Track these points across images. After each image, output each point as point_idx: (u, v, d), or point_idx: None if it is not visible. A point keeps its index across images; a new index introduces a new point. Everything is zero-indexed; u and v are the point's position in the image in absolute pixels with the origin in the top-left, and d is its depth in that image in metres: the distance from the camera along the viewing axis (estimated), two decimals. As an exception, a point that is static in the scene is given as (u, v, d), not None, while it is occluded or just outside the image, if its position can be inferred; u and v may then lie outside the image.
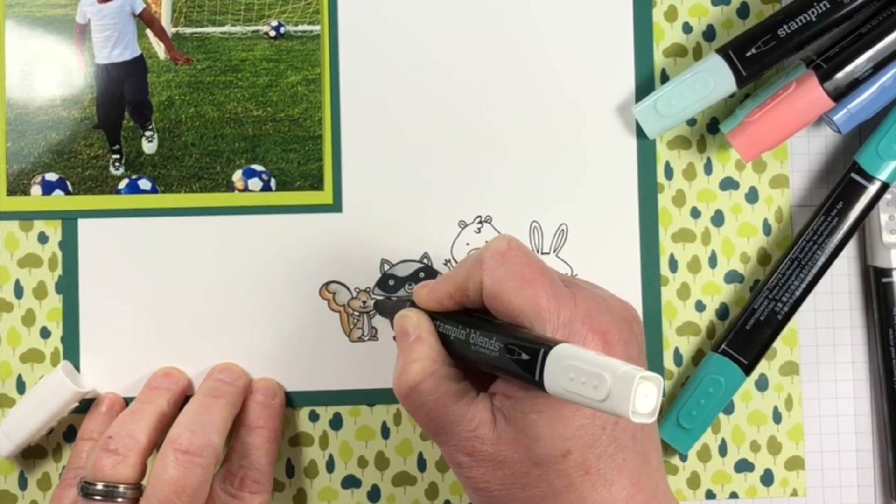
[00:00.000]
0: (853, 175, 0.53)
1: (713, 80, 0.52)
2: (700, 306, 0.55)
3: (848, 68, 0.51)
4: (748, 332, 0.53)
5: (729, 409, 0.55)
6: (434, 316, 0.46)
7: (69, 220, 0.54)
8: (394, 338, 0.51)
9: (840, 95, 0.51)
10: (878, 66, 0.51)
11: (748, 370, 0.53)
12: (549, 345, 0.38)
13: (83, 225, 0.54)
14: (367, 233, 0.55)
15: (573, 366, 0.37)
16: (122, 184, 0.54)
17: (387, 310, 0.52)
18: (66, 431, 0.54)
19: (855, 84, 0.51)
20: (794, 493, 0.55)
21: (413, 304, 0.47)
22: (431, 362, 0.43)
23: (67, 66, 0.55)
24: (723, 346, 0.53)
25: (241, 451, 0.51)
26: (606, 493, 0.41)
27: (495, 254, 0.43)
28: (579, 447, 0.41)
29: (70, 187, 0.54)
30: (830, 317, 0.56)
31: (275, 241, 0.55)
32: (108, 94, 0.55)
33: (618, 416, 0.35)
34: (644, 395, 0.35)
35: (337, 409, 0.55)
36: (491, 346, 0.41)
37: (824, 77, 0.51)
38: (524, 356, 0.39)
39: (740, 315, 0.54)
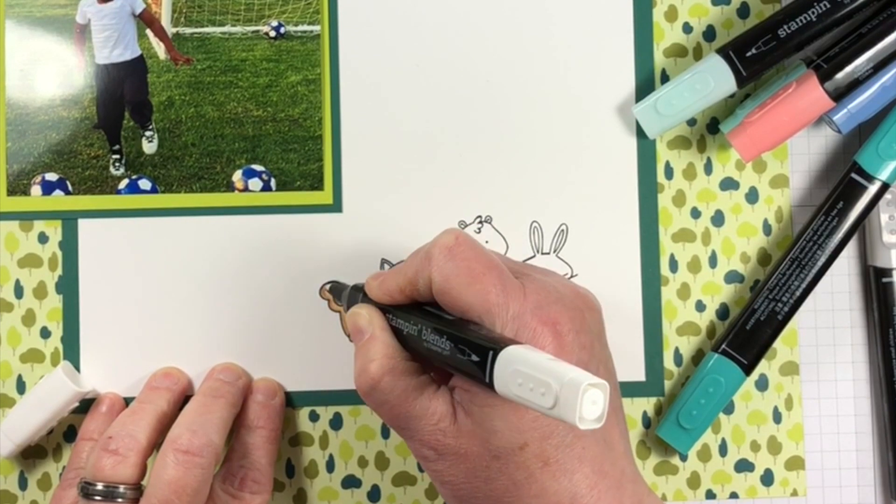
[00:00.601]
0: (853, 175, 0.53)
1: (713, 80, 0.52)
2: (700, 306, 0.55)
3: (848, 68, 0.51)
4: (748, 333, 0.53)
5: (729, 409, 0.55)
6: (386, 309, 0.45)
7: (69, 220, 0.54)
8: (348, 335, 0.50)
9: (840, 95, 0.51)
10: (879, 67, 0.51)
11: (748, 370, 0.53)
12: (497, 347, 0.38)
13: (83, 225, 0.54)
14: (367, 233, 0.55)
15: (520, 371, 0.37)
16: (123, 184, 0.54)
17: (340, 296, 0.51)
18: (66, 431, 0.54)
19: (855, 84, 0.51)
20: (794, 493, 0.55)
21: (365, 294, 0.47)
22: (388, 360, 0.43)
23: (67, 66, 0.55)
24: (723, 346, 0.53)
25: (242, 451, 0.52)
26: (568, 483, 0.41)
27: (443, 248, 0.42)
28: (535, 439, 0.41)
29: (70, 187, 0.54)
30: (830, 317, 0.56)
31: (275, 241, 0.55)
32: (108, 94, 0.55)
33: (566, 422, 0.35)
34: (591, 402, 0.35)
35: (337, 409, 0.55)
36: (442, 344, 0.41)
37: (824, 77, 0.51)
38: (474, 357, 0.39)
39: (740, 315, 0.54)
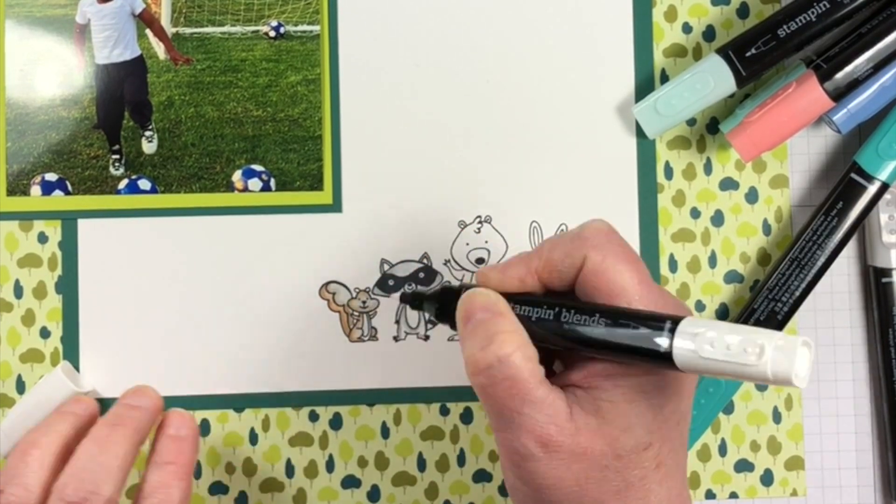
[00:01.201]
0: (853, 175, 0.53)
1: (713, 80, 0.52)
2: (700, 306, 0.55)
3: (848, 68, 0.51)
4: (748, 333, 0.53)
5: (729, 409, 0.55)
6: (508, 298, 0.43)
7: (69, 220, 0.54)
8: (448, 321, 0.45)
9: (840, 95, 0.51)
10: (878, 66, 0.51)
11: (748, 371, 0.53)
12: (675, 317, 0.37)
13: (83, 225, 0.54)
14: (367, 233, 0.55)
15: (709, 336, 0.36)
16: (122, 184, 0.54)
17: (418, 303, 0.47)
18: (65, 431, 0.54)
19: (855, 84, 0.51)
20: (794, 493, 0.55)
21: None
22: (521, 336, 0.40)
23: (67, 66, 0.55)
24: (723, 346, 0.53)
25: (149, 490, 0.47)
26: (667, 487, 0.40)
27: (599, 231, 0.41)
28: (658, 440, 0.40)
29: (70, 187, 0.54)
30: (830, 317, 0.56)
31: (275, 241, 0.55)
32: (108, 94, 0.55)
33: (774, 380, 0.35)
34: (803, 360, 0.35)
35: (337, 409, 0.55)
36: (592, 322, 0.39)
37: (824, 77, 0.51)
38: (643, 330, 0.38)
39: (740, 315, 0.54)
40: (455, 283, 0.55)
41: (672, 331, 0.37)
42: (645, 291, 0.40)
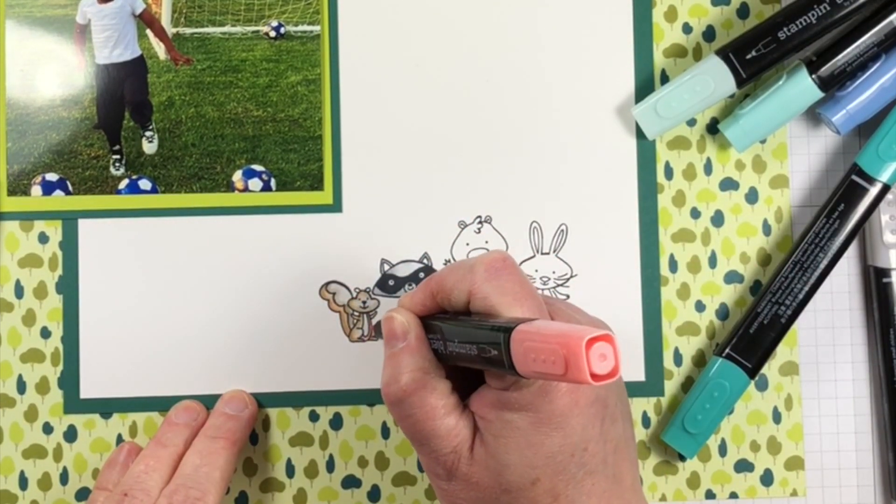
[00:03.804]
0: (854, 177, 0.53)
1: (713, 81, 0.52)
2: (700, 306, 0.55)
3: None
4: (752, 336, 0.53)
5: (729, 409, 0.55)
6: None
7: (69, 221, 0.54)
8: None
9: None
10: (867, 57, 0.51)
11: (752, 374, 0.53)
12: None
13: (83, 225, 0.54)
14: (367, 233, 0.55)
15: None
16: (123, 184, 0.54)
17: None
18: (66, 432, 0.54)
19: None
20: (794, 493, 0.55)
21: None
22: (422, 374, 0.43)
23: (68, 67, 0.55)
24: (727, 350, 0.53)
25: (193, 455, 0.52)
26: None
27: (489, 266, 0.42)
28: (548, 475, 0.41)
29: (70, 187, 0.54)
30: (830, 317, 0.56)
31: (275, 241, 0.55)
32: (108, 95, 0.55)
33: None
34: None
35: (337, 409, 0.55)
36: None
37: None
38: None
39: (744, 319, 0.53)
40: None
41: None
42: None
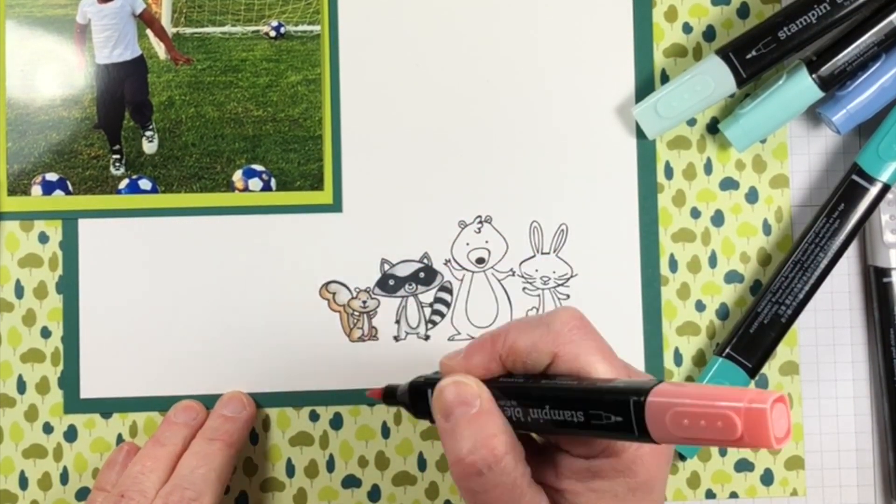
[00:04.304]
0: (854, 177, 0.53)
1: (713, 81, 0.52)
2: (700, 306, 0.55)
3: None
4: (752, 336, 0.53)
5: (729, 409, 0.55)
6: None
7: (69, 220, 0.54)
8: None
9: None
10: (867, 57, 0.51)
11: (752, 374, 0.53)
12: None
13: (83, 225, 0.54)
14: (367, 233, 0.55)
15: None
16: (123, 184, 0.54)
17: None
18: (66, 431, 0.54)
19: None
20: (794, 493, 0.55)
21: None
22: (511, 437, 0.38)
23: (68, 67, 0.55)
24: (727, 350, 0.53)
25: (189, 456, 0.51)
26: None
27: (571, 325, 0.39)
28: None
29: (70, 187, 0.54)
30: (830, 316, 0.56)
31: (275, 241, 0.55)
32: (108, 94, 0.55)
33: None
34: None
35: (337, 409, 0.55)
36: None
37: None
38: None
39: (744, 319, 0.54)
40: (455, 282, 0.55)
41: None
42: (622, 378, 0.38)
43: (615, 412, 0.35)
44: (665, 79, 0.55)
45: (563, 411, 0.37)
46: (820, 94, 0.52)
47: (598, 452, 0.39)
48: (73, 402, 0.54)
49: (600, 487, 0.39)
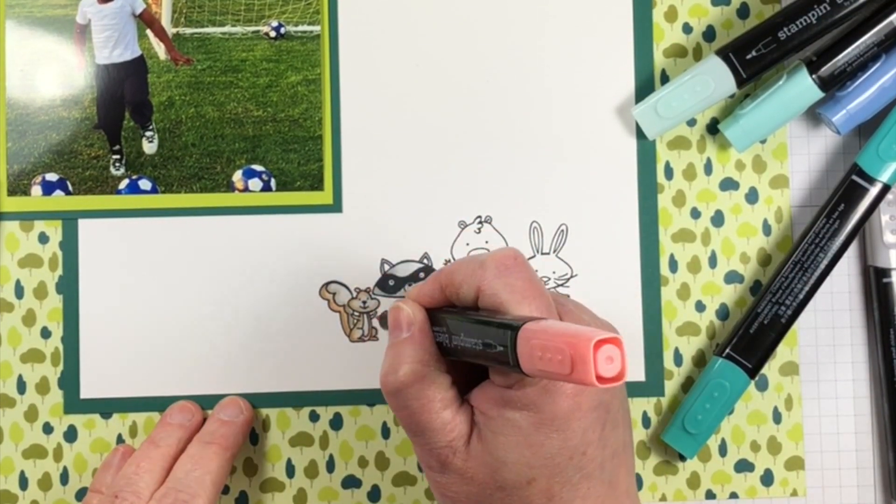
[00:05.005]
0: (854, 177, 0.53)
1: (713, 81, 0.52)
2: (700, 306, 0.55)
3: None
4: (752, 336, 0.53)
5: (729, 410, 0.55)
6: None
7: (69, 221, 0.54)
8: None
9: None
10: (867, 57, 0.51)
11: (753, 374, 0.53)
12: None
13: (83, 225, 0.54)
14: (367, 233, 0.55)
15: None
16: (123, 184, 0.54)
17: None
18: (66, 432, 0.54)
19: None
20: (794, 493, 0.55)
21: None
22: (422, 366, 0.43)
23: (68, 67, 0.55)
24: (727, 350, 0.53)
25: (185, 459, 0.51)
26: None
27: (499, 263, 0.42)
28: (545, 476, 0.41)
29: (70, 187, 0.54)
30: (830, 317, 0.56)
31: (275, 241, 0.55)
32: (108, 95, 0.55)
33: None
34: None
35: (337, 409, 0.55)
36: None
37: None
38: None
39: (744, 319, 0.54)
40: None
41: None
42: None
43: (499, 342, 0.38)
44: (665, 79, 0.55)
45: (470, 339, 0.41)
46: (820, 94, 0.52)
47: (512, 383, 0.41)
48: (73, 403, 0.54)
49: (511, 417, 0.41)
